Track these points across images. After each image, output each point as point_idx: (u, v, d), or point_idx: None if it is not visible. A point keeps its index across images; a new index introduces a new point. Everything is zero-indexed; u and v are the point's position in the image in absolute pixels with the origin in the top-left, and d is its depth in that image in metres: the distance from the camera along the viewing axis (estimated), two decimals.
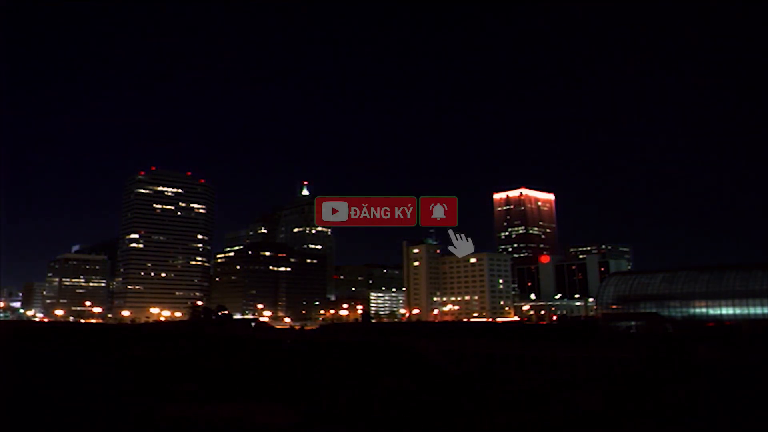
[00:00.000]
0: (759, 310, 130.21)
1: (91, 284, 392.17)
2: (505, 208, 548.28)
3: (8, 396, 49.39)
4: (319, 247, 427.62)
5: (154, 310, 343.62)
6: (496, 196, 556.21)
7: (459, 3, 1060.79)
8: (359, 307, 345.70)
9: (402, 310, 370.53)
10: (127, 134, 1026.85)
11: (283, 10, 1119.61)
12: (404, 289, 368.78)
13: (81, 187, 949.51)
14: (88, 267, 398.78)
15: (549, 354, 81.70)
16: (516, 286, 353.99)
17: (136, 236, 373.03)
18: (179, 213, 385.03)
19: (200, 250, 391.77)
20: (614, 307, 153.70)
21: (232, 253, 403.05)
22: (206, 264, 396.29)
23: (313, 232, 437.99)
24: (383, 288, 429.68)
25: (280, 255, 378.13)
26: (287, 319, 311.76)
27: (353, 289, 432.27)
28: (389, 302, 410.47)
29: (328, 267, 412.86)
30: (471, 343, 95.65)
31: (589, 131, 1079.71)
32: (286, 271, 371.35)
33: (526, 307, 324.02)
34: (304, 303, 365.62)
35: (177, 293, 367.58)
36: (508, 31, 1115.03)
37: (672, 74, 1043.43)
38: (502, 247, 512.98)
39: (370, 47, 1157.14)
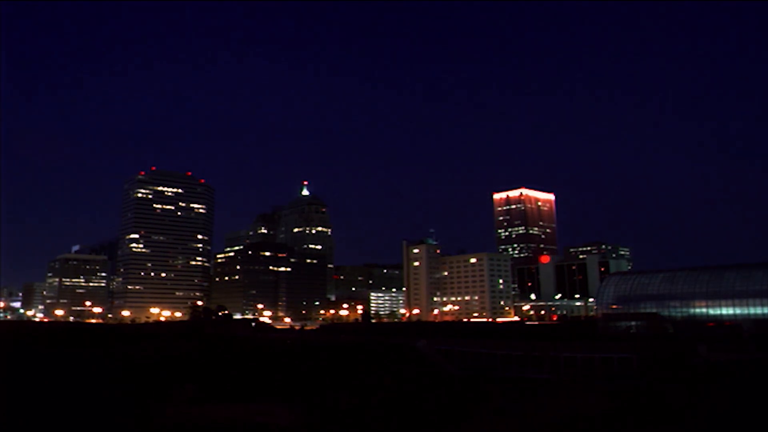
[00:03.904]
0: (759, 310, 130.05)
1: (91, 284, 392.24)
2: (505, 208, 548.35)
3: (8, 396, 49.29)
4: (319, 247, 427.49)
5: (154, 310, 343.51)
6: (496, 196, 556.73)
7: (460, 5, 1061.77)
8: (359, 307, 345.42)
9: (402, 310, 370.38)
10: (127, 134, 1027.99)
11: (283, 11, 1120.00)
12: (404, 289, 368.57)
13: (81, 187, 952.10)
14: (88, 267, 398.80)
15: (549, 354, 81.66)
16: (516, 286, 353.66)
17: (136, 236, 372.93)
18: (179, 213, 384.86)
19: (200, 250, 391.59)
20: (614, 307, 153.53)
21: (232, 253, 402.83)
22: (206, 264, 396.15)
23: (313, 232, 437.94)
24: (383, 288, 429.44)
25: (280, 255, 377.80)
26: (287, 319, 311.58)
27: (353, 289, 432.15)
28: (389, 302, 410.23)
29: (328, 267, 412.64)
30: (471, 343, 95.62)
31: (588, 131, 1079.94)
32: (286, 271, 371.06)
33: (526, 307, 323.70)
34: (304, 303, 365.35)
35: (177, 293, 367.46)
36: (509, 31, 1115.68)
37: (672, 74, 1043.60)
38: (502, 247, 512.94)
39: (371, 48, 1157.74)
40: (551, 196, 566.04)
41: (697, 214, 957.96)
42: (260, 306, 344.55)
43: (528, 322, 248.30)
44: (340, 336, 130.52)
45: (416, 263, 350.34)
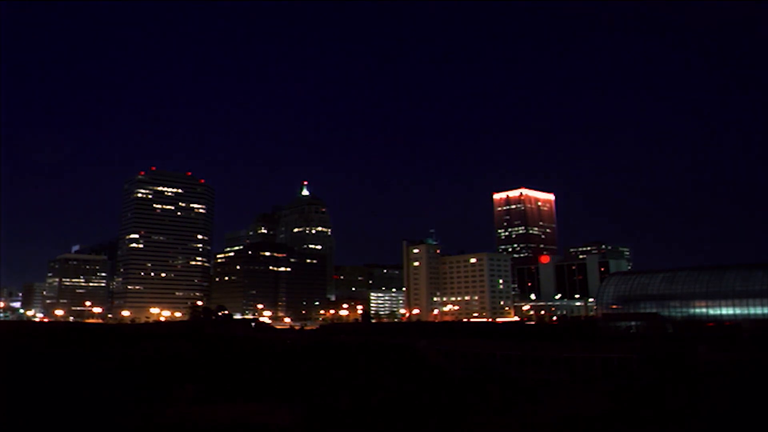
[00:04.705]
0: (759, 310, 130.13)
1: (91, 284, 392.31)
2: (505, 208, 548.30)
3: (8, 396, 49.29)
4: (319, 247, 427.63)
5: (154, 310, 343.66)
6: (496, 196, 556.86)
7: (460, 6, 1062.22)
8: (359, 307, 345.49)
9: (402, 310, 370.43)
10: (127, 134, 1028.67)
11: (284, 12, 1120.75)
12: (404, 289, 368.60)
13: (81, 187, 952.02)
14: (88, 267, 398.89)
15: (549, 354, 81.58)
16: (516, 286, 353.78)
17: (136, 236, 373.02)
18: (179, 213, 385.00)
19: (200, 250, 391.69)
20: (614, 307, 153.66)
21: (232, 253, 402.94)
22: (206, 264, 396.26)
23: (313, 232, 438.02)
24: (383, 288, 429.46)
25: (280, 255, 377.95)
26: (287, 319, 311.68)
27: (353, 289, 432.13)
28: (389, 302, 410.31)
29: (328, 267, 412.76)
30: (471, 343, 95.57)
31: (588, 132, 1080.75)
32: (286, 271, 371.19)
33: (526, 307, 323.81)
34: (304, 303, 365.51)
35: (177, 293, 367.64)
36: (509, 32, 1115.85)
37: (672, 74, 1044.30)
38: (502, 247, 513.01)
39: (372, 49, 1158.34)
40: (551, 196, 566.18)
41: (697, 214, 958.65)
42: (260, 306, 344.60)
43: (528, 322, 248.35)
44: (340, 336, 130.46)
45: (416, 263, 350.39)
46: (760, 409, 44.45)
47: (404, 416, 46.93)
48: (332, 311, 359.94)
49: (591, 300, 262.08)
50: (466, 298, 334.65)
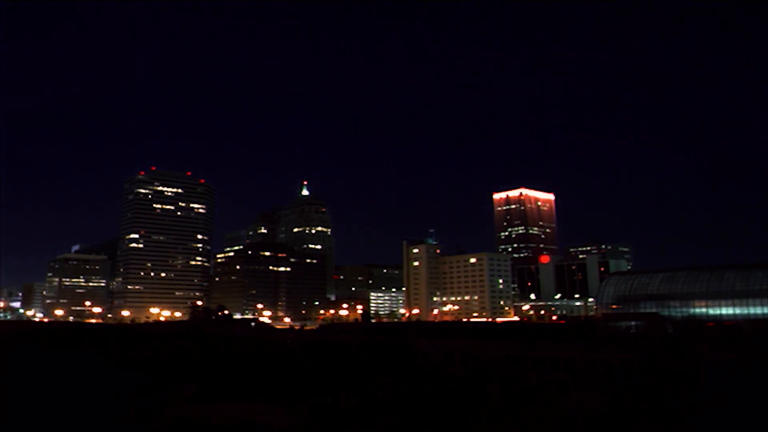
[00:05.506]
0: (759, 310, 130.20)
1: (91, 284, 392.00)
2: (505, 208, 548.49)
3: (8, 396, 49.33)
4: (319, 247, 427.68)
5: (154, 310, 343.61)
6: (496, 196, 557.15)
7: (460, 6, 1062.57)
8: (359, 307, 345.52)
9: (402, 310, 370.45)
10: (127, 134, 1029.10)
11: (283, 13, 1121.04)
12: (404, 289, 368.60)
13: (81, 187, 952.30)
14: (88, 267, 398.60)
15: (549, 354, 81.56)
16: (516, 286, 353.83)
17: (136, 236, 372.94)
18: (179, 213, 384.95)
19: (200, 250, 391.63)
20: (614, 307, 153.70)
21: (232, 253, 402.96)
22: (206, 264, 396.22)
23: (313, 232, 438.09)
24: (383, 288, 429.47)
25: (280, 255, 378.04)
26: (287, 319, 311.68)
27: (353, 289, 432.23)
28: (389, 302, 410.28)
29: (328, 267, 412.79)
30: (471, 343, 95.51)
31: (588, 132, 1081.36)
32: (286, 271, 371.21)
33: (526, 307, 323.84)
34: (304, 303, 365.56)
35: (177, 293, 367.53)
36: (509, 32, 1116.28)
37: (673, 73, 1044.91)
38: (502, 247, 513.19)
39: (372, 48, 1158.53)
40: (551, 196, 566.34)
41: (697, 214, 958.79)
42: (260, 306, 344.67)
43: (528, 322, 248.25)
44: (339, 336, 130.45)
45: (416, 263, 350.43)
46: (760, 409, 44.48)
47: (404, 416, 46.95)
48: (332, 311, 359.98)
49: (591, 300, 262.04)
50: (466, 298, 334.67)
